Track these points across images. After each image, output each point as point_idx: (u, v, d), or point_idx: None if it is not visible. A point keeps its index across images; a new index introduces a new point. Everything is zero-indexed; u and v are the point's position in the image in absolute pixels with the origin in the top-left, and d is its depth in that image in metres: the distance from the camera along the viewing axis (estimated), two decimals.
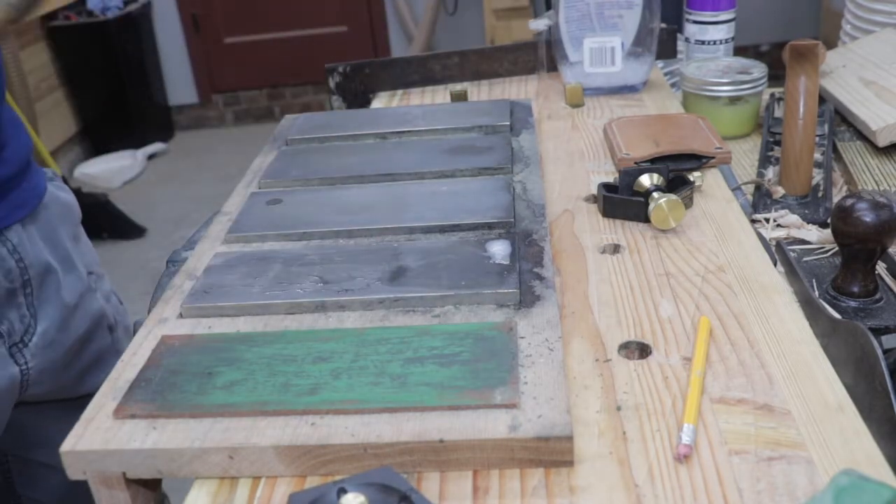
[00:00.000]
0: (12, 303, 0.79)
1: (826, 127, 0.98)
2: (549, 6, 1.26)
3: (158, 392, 0.51)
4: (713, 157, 0.82)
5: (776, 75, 1.08)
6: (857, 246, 0.62)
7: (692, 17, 1.15)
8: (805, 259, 0.73)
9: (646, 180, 0.73)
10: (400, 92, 1.20)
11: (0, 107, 0.79)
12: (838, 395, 0.50)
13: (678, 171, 0.77)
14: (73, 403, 0.71)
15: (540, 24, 1.12)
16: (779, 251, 0.72)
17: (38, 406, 0.87)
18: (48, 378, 0.83)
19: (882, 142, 0.93)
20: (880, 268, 0.70)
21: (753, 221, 0.80)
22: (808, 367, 0.53)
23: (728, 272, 0.64)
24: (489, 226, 0.69)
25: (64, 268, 0.84)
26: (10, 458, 0.89)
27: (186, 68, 4.13)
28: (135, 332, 0.59)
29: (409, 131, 0.91)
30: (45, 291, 0.82)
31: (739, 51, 1.13)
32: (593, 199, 0.78)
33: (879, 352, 0.53)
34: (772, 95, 1.09)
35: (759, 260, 0.66)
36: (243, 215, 0.74)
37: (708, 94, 1.02)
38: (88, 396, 0.52)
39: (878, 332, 0.61)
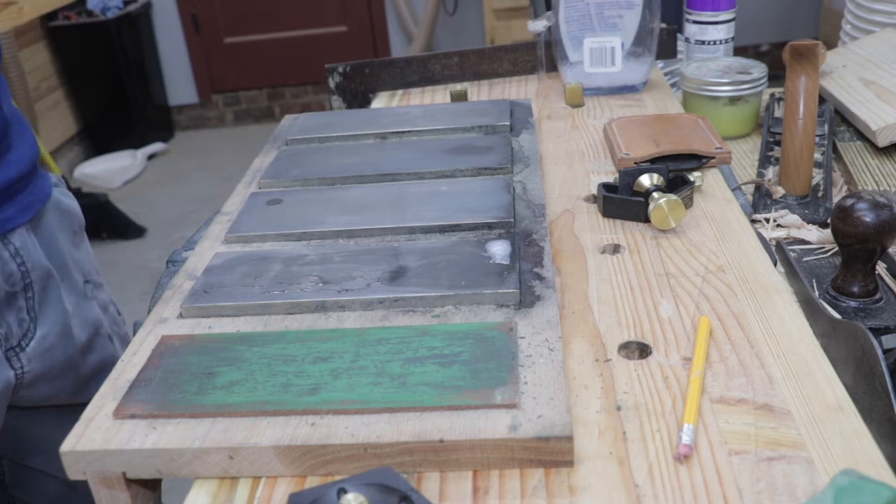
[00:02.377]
0: (12, 307, 0.78)
1: (826, 127, 0.98)
2: (548, 6, 1.25)
3: (158, 392, 0.51)
4: (713, 157, 0.82)
5: (776, 75, 1.09)
6: (857, 246, 0.62)
7: (692, 17, 1.15)
8: (805, 259, 0.73)
9: (646, 180, 0.73)
10: (400, 92, 1.20)
11: (3, 106, 0.79)
12: (838, 395, 0.50)
13: (678, 171, 0.77)
14: (71, 411, 0.70)
15: (538, 25, 1.12)
16: (779, 251, 0.72)
17: (34, 412, 0.86)
18: (43, 383, 0.82)
19: (882, 142, 0.93)
20: (880, 268, 0.70)
21: (753, 221, 0.80)
22: (808, 367, 0.53)
23: (728, 272, 0.64)
24: (489, 226, 0.69)
25: (59, 275, 0.83)
26: (4, 461, 0.89)
27: (186, 68, 4.14)
28: (135, 332, 0.59)
29: (409, 131, 0.91)
30: (48, 296, 0.81)
31: (739, 51, 1.14)
32: (593, 199, 0.78)
33: (879, 352, 0.53)
34: (772, 95, 1.09)
35: (759, 260, 0.66)
36: (243, 215, 0.74)
37: (708, 94, 1.02)
38: (86, 405, 0.52)
39: (878, 332, 0.61)
